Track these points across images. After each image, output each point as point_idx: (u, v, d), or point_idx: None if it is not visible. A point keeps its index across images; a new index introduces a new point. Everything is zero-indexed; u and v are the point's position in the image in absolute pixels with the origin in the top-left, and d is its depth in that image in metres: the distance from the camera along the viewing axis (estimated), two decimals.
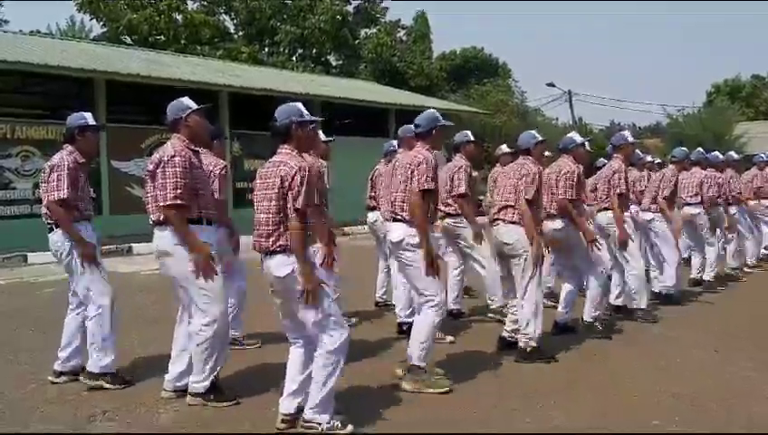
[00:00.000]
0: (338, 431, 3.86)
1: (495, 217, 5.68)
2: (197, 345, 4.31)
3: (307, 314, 3.86)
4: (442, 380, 4.78)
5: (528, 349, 5.41)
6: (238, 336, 5.79)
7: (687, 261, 9.04)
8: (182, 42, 30.82)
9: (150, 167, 4.32)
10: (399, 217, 4.82)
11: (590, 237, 6.13)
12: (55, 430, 4.06)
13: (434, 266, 4.67)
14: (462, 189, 6.47)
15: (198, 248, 4.22)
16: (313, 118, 4.15)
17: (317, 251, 4.58)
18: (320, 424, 3.84)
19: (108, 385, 4.74)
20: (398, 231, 4.80)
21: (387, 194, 5.56)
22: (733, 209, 9.57)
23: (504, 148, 8.79)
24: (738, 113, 38.84)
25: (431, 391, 4.64)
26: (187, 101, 4.51)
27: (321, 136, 5.95)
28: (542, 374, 5.14)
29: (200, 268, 4.22)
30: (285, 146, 3.97)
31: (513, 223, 5.52)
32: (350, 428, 3.89)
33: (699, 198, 8.55)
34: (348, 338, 3.92)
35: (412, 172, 4.73)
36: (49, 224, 4.87)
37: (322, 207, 5.42)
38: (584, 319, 6.34)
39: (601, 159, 8.83)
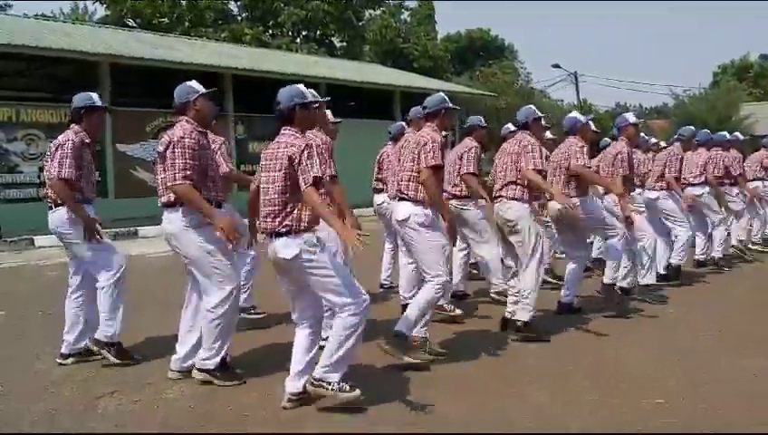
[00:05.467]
0: (346, 393, 3.90)
1: (498, 193, 5.71)
2: (210, 322, 4.36)
3: (326, 285, 3.88)
4: (423, 354, 4.80)
5: (519, 323, 5.47)
6: (247, 307, 5.92)
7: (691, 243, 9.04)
8: (186, 24, 30.72)
9: (160, 148, 4.34)
10: (405, 195, 4.86)
11: (618, 191, 6.25)
12: (63, 410, 4.11)
13: (453, 233, 4.89)
14: (470, 168, 6.52)
15: (217, 217, 4.24)
16: (316, 99, 4.19)
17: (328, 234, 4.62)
18: (329, 383, 3.89)
19: (110, 356, 4.81)
20: (403, 209, 4.86)
21: (394, 175, 5.60)
22: (735, 190, 9.57)
23: (511, 126, 8.78)
24: (745, 94, 38.57)
25: (407, 359, 4.67)
26: (194, 84, 4.53)
27: (330, 117, 5.98)
28: (545, 355, 5.17)
29: (226, 235, 4.19)
30: (289, 127, 3.99)
31: (515, 199, 5.54)
32: (357, 391, 3.92)
33: (703, 179, 8.54)
34: (369, 305, 3.97)
35: (419, 152, 4.81)
36: (49, 203, 4.90)
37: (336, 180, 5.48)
38: (603, 281, 6.40)
39: (605, 139, 8.80)
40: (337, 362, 3.90)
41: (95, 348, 4.85)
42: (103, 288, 4.83)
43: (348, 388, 3.92)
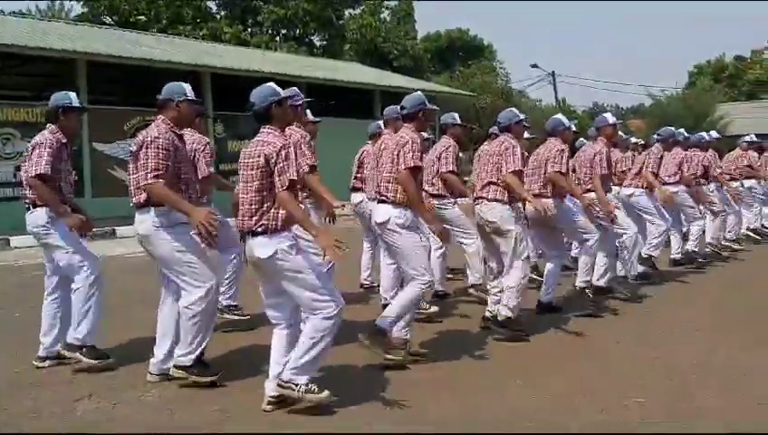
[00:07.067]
0: (314, 394, 3.88)
1: (478, 195, 5.73)
2: (188, 319, 4.33)
3: (301, 287, 3.87)
4: (400, 351, 4.80)
5: (501, 317, 5.49)
6: (235, 304, 5.95)
7: (667, 243, 9.12)
8: (164, 22, 30.49)
9: (133, 148, 4.32)
10: (385, 197, 4.86)
11: (586, 202, 6.26)
12: (42, 413, 4.06)
13: (443, 235, 5.02)
14: (450, 167, 6.54)
15: (193, 211, 4.18)
16: (290, 95, 4.19)
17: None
18: (297, 385, 3.87)
19: (84, 358, 4.74)
20: (383, 212, 4.85)
21: (373, 175, 5.59)
22: (711, 187, 9.69)
23: (496, 129, 8.82)
24: (721, 94, 39.03)
25: (389, 356, 4.69)
26: (187, 88, 4.52)
27: (309, 116, 5.98)
28: (527, 354, 5.20)
29: (202, 228, 4.14)
30: (267, 126, 3.98)
31: (496, 200, 5.57)
32: (326, 393, 3.90)
33: (678, 178, 8.64)
34: (342, 309, 3.95)
35: (398, 153, 4.80)
36: (27, 204, 4.84)
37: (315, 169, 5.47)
38: (576, 285, 6.44)
39: (581, 139, 8.87)
40: (306, 365, 3.88)
41: (67, 353, 4.79)
42: (78, 290, 4.77)
43: (316, 389, 3.90)
